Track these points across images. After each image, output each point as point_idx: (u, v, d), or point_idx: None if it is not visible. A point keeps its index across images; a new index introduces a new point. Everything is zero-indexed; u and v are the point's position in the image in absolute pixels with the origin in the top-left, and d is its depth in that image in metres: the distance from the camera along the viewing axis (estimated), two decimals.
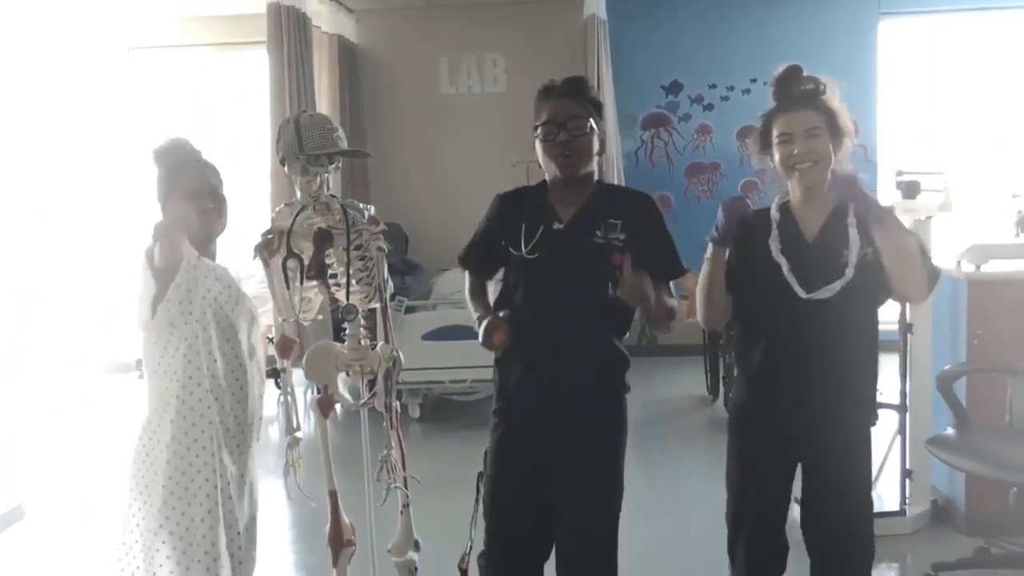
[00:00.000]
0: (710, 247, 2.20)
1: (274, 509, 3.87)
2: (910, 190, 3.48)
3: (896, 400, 3.53)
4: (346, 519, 2.25)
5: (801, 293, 2.12)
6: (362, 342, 2.23)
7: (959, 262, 3.38)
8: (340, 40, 6.62)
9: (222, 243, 2.29)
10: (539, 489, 2.20)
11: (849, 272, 2.10)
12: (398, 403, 2.29)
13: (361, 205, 2.27)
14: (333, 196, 2.20)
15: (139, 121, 7.07)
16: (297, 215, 2.20)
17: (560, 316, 2.16)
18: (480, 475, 2.30)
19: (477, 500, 2.29)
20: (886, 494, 3.60)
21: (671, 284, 2.25)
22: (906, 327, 3.51)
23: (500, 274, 2.27)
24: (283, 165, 2.17)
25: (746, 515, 2.31)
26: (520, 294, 2.20)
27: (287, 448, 2.40)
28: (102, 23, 6.73)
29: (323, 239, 2.17)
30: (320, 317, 2.49)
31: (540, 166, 2.24)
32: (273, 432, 5.23)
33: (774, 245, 2.17)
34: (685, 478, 4.39)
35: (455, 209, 6.55)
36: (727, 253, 2.19)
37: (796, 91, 2.16)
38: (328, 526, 2.24)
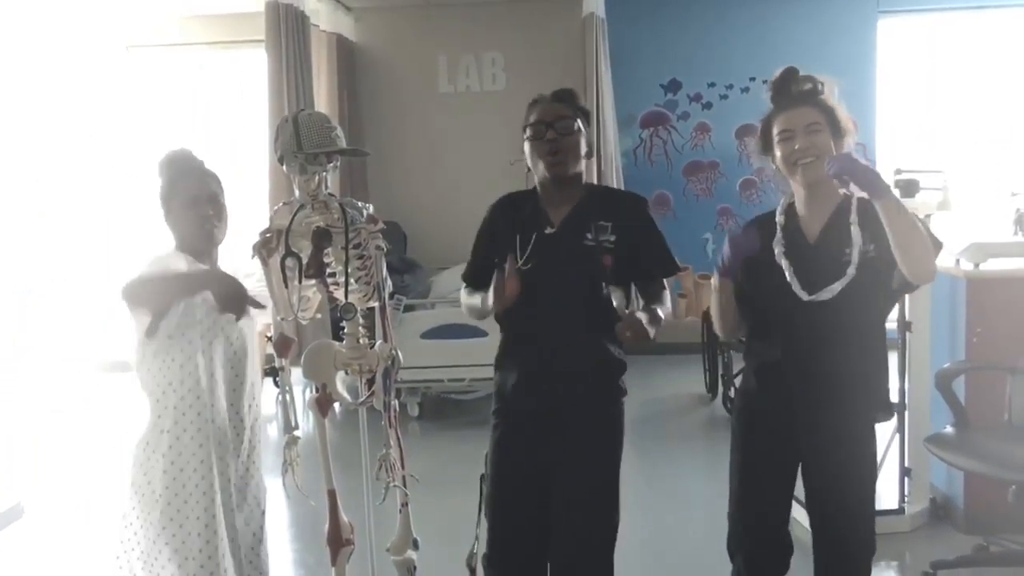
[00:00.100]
0: (716, 277, 2.22)
1: (273, 508, 3.85)
2: (909, 188, 3.48)
3: (895, 398, 3.53)
4: (345, 518, 2.25)
5: (803, 296, 2.12)
6: (361, 341, 2.23)
7: (958, 260, 3.38)
8: (339, 39, 6.62)
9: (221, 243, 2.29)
10: (539, 489, 2.21)
11: (851, 271, 2.09)
12: (397, 402, 2.29)
13: (360, 204, 2.26)
14: (331, 195, 2.20)
15: (138, 120, 7.08)
16: (295, 214, 2.19)
17: (555, 318, 2.17)
18: (483, 477, 2.32)
19: (481, 502, 2.30)
20: (885, 492, 3.58)
21: (669, 285, 2.25)
22: (905, 325, 3.52)
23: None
24: (281, 164, 2.17)
25: (747, 513, 2.31)
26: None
27: (285, 447, 2.39)
28: (101, 22, 6.73)
29: (321, 238, 2.16)
30: (319, 316, 2.49)
31: (529, 168, 2.24)
32: (272, 431, 5.22)
33: (778, 249, 2.18)
34: (684, 477, 4.39)
35: (454, 208, 6.58)
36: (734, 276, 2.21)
37: (794, 91, 2.16)
38: (327, 525, 2.24)
